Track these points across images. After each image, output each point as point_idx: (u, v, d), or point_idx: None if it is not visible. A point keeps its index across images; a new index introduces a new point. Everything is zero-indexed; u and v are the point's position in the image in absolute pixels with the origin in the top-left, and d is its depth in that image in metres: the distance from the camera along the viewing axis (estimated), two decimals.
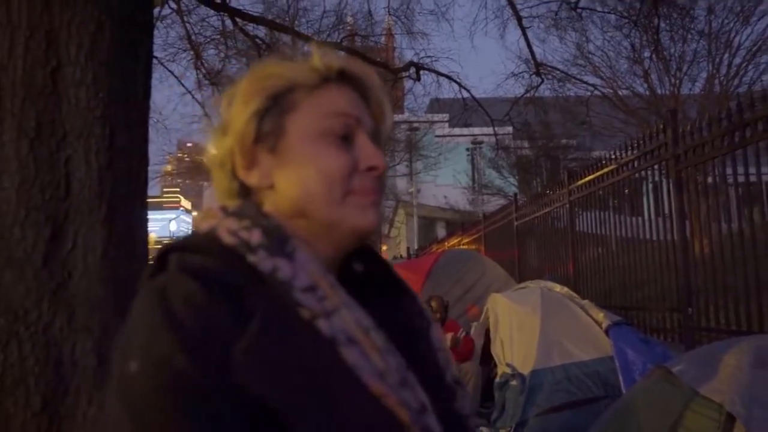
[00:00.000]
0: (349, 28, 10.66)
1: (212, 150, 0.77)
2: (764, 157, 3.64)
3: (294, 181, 0.71)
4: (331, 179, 0.70)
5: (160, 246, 0.72)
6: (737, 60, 12.73)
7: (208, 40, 8.51)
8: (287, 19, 8.99)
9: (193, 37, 8.20)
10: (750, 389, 1.78)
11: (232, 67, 8.59)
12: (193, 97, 9.47)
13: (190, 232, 0.75)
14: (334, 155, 0.71)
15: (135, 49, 1.98)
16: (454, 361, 0.80)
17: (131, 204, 1.92)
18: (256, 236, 0.67)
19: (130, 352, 0.59)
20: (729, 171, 3.99)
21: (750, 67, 12.64)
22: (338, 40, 9.42)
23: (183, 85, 9.20)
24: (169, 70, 8.90)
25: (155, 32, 8.24)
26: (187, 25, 8.03)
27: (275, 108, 0.72)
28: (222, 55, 8.69)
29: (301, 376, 0.60)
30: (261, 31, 7.93)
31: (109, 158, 1.79)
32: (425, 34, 12.08)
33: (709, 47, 12.62)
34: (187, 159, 23.50)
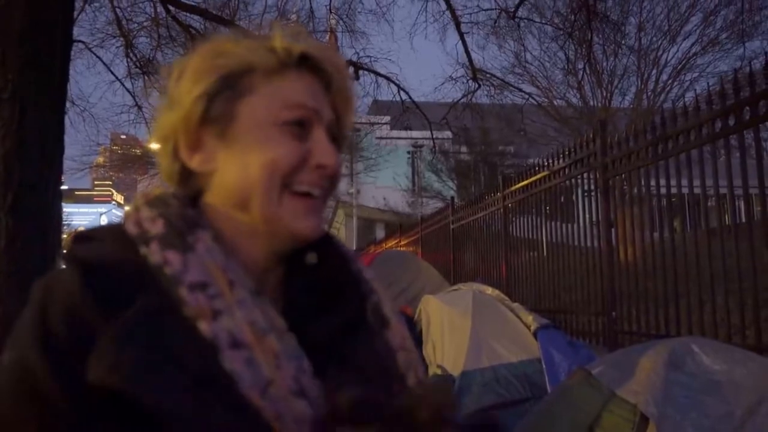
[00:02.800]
0: (291, 25, 10.50)
1: (158, 124, 0.71)
2: (685, 169, 3.79)
3: (237, 170, 0.67)
4: (273, 167, 0.66)
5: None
6: (664, 77, 13.40)
7: (140, 26, 8.19)
8: (227, 11, 8.77)
9: (123, 23, 7.88)
10: (663, 390, 1.84)
11: (164, 56, 8.28)
12: (123, 86, 9.08)
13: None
14: (284, 145, 0.67)
15: (52, 29, 1.87)
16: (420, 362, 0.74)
17: (42, 193, 1.81)
18: (157, 227, 0.63)
19: (8, 344, 0.59)
20: (653, 182, 4.16)
21: (675, 83, 13.30)
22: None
23: (112, 73, 8.78)
24: (97, 56, 8.52)
25: (83, 15, 7.89)
26: (117, 10, 7.72)
27: (228, 91, 0.67)
28: (154, 43, 8.35)
29: (167, 376, 0.55)
30: (196, 21, 7.71)
31: (17, 143, 1.68)
32: (364, 33, 12.10)
33: (638, 63, 13.21)
34: (120, 152, 22.63)
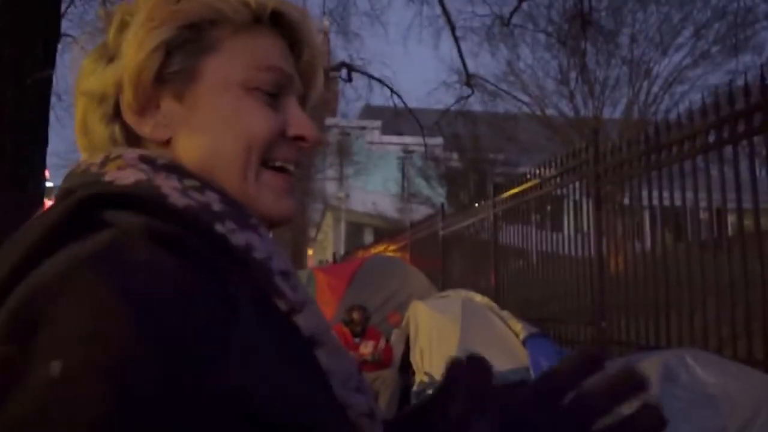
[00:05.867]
0: None
1: (87, 79, 0.58)
2: (677, 180, 3.78)
3: (202, 141, 0.56)
4: (251, 141, 0.56)
5: (63, 190, 0.52)
6: (655, 88, 13.48)
7: None
8: None
9: None
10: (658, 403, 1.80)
11: None
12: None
13: (90, 181, 0.52)
14: (260, 114, 0.57)
15: (35, 20, 1.81)
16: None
17: (21, 192, 1.74)
18: (214, 200, 0.51)
19: (46, 347, 0.38)
20: (645, 193, 4.15)
21: (666, 95, 13.39)
22: None
23: None
24: (86, 51, 8.44)
25: (72, 9, 7.78)
26: (108, 3, 7.64)
27: (191, 43, 0.56)
28: None
29: (292, 386, 0.46)
30: None
31: None
32: (357, 35, 12.10)
33: (630, 74, 13.28)
34: None
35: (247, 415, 0.42)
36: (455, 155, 18.26)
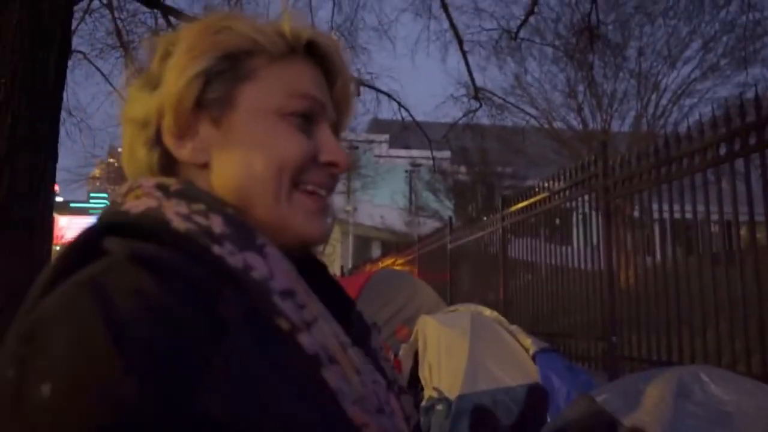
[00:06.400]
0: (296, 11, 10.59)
1: (132, 106, 0.62)
2: (688, 194, 3.75)
3: (237, 162, 0.59)
4: (283, 165, 0.59)
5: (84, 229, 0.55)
6: (663, 101, 13.45)
7: (140, 38, 8.20)
8: None
9: (123, 34, 7.86)
10: (672, 420, 1.77)
11: None
12: (121, 97, 9.03)
13: (110, 212, 0.57)
14: (293, 139, 0.60)
15: (49, 36, 1.83)
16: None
17: (33, 204, 1.75)
18: (217, 223, 0.53)
19: (38, 370, 0.42)
20: (655, 207, 4.12)
21: (674, 108, 13.36)
22: None
23: (110, 83, 8.69)
24: (96, 67, 8.49)
25: (83, 26, 7.86)
26: (118, 21, 7.71)
27: (229, 72, 0.59)
28: None
29: (285, 404, 0.47)
30: None
31: (7, 150, 1.62)
32: (365, 49, 12.16)
33: (638, 87, 13.27)
34: (117, 165, 22.66)
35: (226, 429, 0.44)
36: (463, 168, 18.25)
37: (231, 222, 0.54)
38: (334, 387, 0.51)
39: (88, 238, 0.52)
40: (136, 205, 0.55)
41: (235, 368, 0.46)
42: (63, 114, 2.03)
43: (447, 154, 15.50)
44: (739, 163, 3.30)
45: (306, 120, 0.61)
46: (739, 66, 11.88)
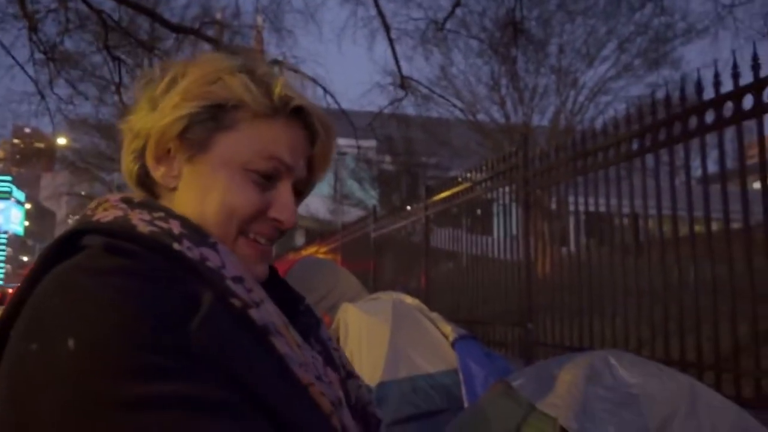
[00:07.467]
0: (216, 23, 10.23)
1: (134, 116, 0.70)
2: (602, 187, 3.90)
3: (197, 199, 0.68)
4: (231, 214, 0.68)
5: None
6: (581, 98, 13.96)
7: (46, 9, 7.62)
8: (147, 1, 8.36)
9: (27, 3, 7.31)
10: (583, 404, 1.83)
11: (73, 41, 7.73)
12: (25, 72, 8.41)
13: (83, 221, 0.67)
14: (248, 194, 0.68)
15: None
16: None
17: None
18: (175, 226, 0.64)
19: (57, 333, 0.51)
20: (571, 199, 4.26)
21: (591, 105, 13.90)
22: (208, 34, 8.95)
23: (12, 57, 8.09)
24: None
25: None
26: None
27: (211, 121, 0.68)
28: (61, 27, 7.78)
29: (248, 355, 0.58)
30: (109, 6, 7.26)
31: None
32: (291, 32, 11.93)
33: (558, 83, 13.71)
34: (22, 146, 21.25)
35: (224, 377, 0.54)
36: (388, 158, 18.32)
37: (187, 225, 0.65)
38: (282, 352, 0.61)
39: (67, 237, 0.63)
40: (105, 215, 0.65)
41: (212, 327, 0.56)
42: None
43: (372, 143, 15.52)
44: (650, 159, 3.46)
45: (267, 178, 0.69)
46: (651, 67, 12.54)
